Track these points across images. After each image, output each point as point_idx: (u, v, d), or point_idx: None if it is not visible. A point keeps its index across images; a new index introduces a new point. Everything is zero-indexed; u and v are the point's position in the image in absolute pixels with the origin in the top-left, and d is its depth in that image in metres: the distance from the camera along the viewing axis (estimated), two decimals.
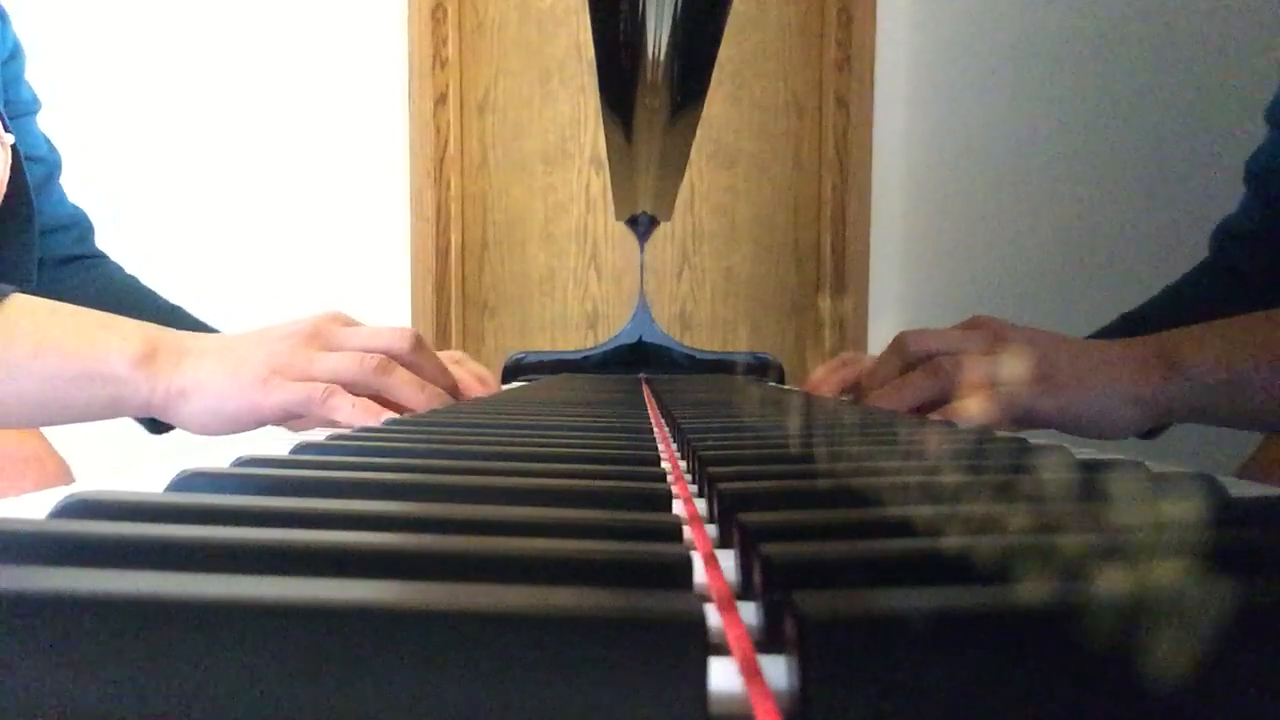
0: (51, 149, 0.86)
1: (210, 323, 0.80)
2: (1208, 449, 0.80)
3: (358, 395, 0.53)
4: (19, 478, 0.71)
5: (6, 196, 0.73)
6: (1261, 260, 0.73)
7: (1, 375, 0.49)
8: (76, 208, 0.88)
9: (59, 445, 0.79)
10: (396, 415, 0.52)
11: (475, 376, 0.71)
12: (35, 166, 0.79)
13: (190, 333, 0.56)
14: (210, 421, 0.53)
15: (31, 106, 0.83)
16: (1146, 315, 0.76)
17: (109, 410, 0.53)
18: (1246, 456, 0.74)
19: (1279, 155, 0.72)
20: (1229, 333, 0.53)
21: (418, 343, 0.58)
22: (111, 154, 1.67)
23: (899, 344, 0.59)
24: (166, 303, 0.84)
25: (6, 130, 0.73)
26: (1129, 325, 0.74)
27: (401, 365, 0.56)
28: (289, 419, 0.54)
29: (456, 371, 0.68)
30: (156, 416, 0.54)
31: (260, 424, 0.54)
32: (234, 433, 0.54)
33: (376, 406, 0.53)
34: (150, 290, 0.86)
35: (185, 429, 0.54)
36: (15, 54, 0.81)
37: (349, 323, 0.58)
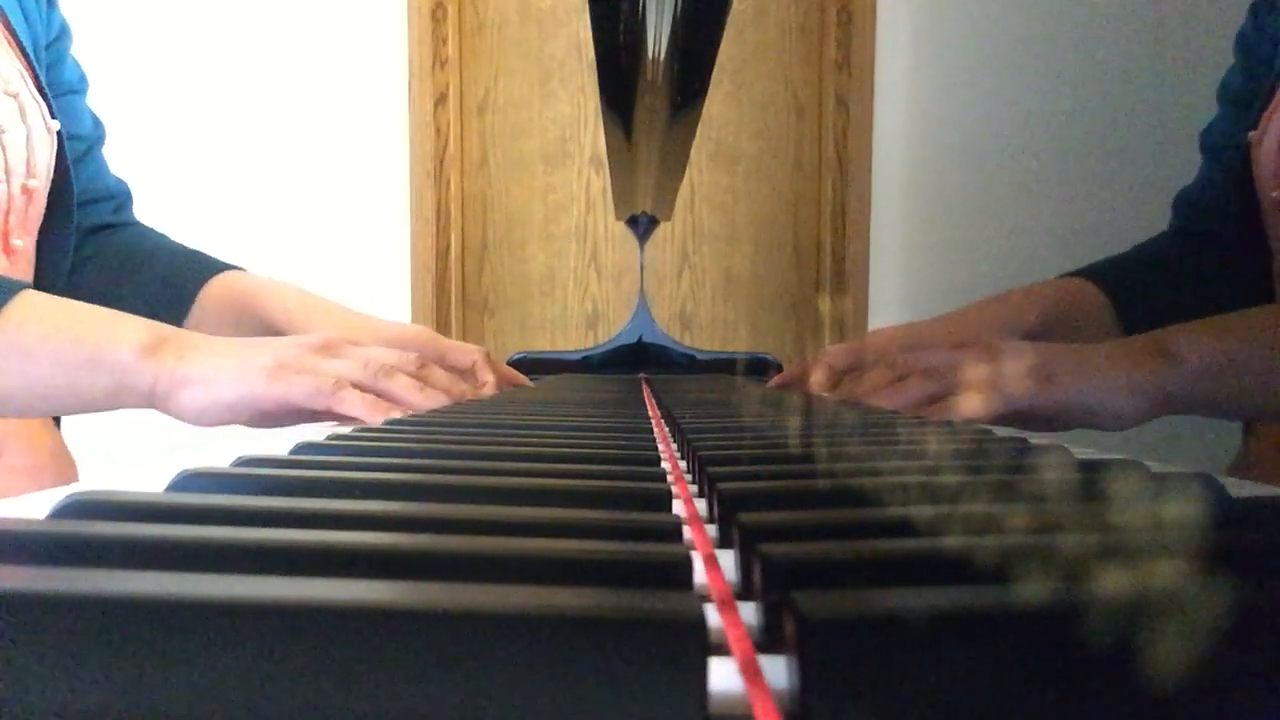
0: (96, 124, 0.84)
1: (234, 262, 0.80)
2: (1208, 449, 0.80)
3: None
4: (38, 476, 0.70)
5: (52, 182, 0.72)
6: (1217, 225, 0.76)
7: (14, 360, 0.51)
8: (118, 179, 0.87)
9: (73, 449, 0.79)
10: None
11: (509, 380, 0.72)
12: (75, 144, 0.79)
13: (198, 334, 0.57)
14: (208, 408, 0.52)
15: (77, 85, 0.82)
16: (1115, 265, 0.77)
17: (111, 399, 0.53)
18: (1236, 456, 0.74)
19: (1229, 130, 0.75)
20: (1221, 324, 0.56)
21: (423, 362, 0.59)
22: (106, 153, 1.67)
23: (887, 357, 0.59)
24: (185, 248, 0.84)
25: (53, 116, 0.72)
26: (1092, 274, 0.75)
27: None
28: (289, 414, 0.54)
29: (489, 378, 0.68)
30: (156, 408, 0.54)
31: (259, 414, 0.53)
32: (229, 423, 0.54)
33: (384, 404, 0.53)
34: (170, 240, 0.86)
35: (181, 418, 0.54)
36: (62, 34, 0.80)
37: (356, 343, 0.60)
